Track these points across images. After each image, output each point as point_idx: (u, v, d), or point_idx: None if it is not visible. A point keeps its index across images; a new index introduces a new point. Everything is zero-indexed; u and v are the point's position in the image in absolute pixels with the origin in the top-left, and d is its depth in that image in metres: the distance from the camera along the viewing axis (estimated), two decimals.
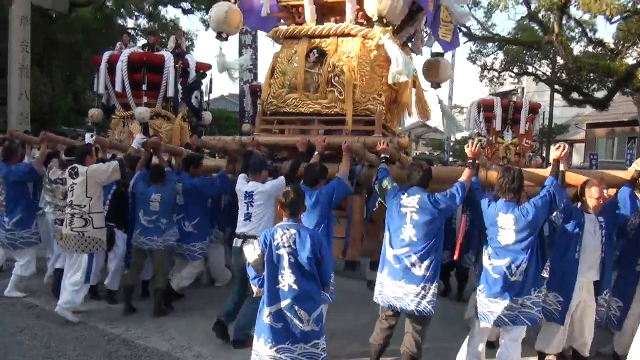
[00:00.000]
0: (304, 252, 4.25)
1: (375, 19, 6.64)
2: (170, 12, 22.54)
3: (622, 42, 24.13)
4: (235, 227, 6.14)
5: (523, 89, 36.60)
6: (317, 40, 7.15)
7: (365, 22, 7.17)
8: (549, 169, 5.42)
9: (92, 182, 6.49)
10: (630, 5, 21.78)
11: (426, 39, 8.17)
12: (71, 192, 6.53)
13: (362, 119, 6.91)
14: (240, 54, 23.76)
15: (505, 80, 30.47)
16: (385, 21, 6.63)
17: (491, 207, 5.13)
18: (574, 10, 23.44)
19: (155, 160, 7.39)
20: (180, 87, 13.03)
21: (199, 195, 7.22)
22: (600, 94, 25.62)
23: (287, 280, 4.30)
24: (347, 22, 7.08)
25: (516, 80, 32.64)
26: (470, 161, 5.47)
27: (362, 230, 6.54)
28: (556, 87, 27.74)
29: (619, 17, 22.04)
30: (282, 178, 6.02)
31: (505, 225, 5.02)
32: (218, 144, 6.90)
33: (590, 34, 25.42)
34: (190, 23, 44.66)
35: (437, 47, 8.19)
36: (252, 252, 4.31)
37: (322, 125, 7.05)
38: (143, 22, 24.09)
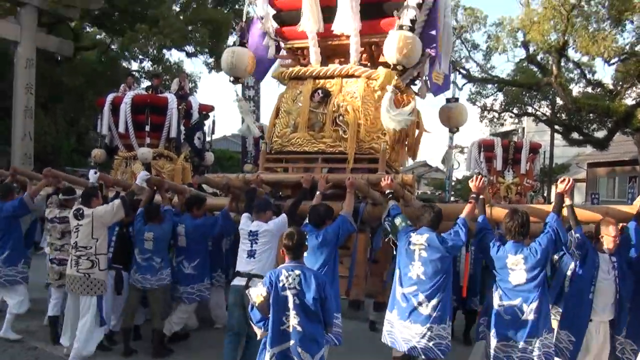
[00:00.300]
0: (309, 293, 4.27)
1: (393, 64, 6.70)
2: (174, 55, 22.95)
3: (620, 83, 24.36)
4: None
5: (523, 128, 36.85)
6: (322, 81, 7.30)
7: (368, 64, 7.32)
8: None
9: (98, 224, 6.45)
10: (627, 47, 22.08)
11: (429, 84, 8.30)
12: (76, 233, 6.48)
13: (366, 157, 6.98)
14: (243, 95, 24.05)
15: (505, 120, 30.64)
16: (401, 67, 6.70)
17: (500, 250, 5.13)
18: (571, 53, 23.74)
19: (157, 197, 7.39)
20: (182, 127, 13.18)
21: (201, 236, 7.18)
22: (600, 134, 25.74)
23: (292, 321, 4.29)
24: (351, 63, 7.20)
25: (516, 121, 32.83)
26: (474, 196, 5.49)
27: (366, 269, 6.50)
28: (556, 127, 27.89)
29: (616, 59, 22.32)
30: (284, 216, 6.03)
31: (515, 266, 5.02)
32: (221, 181, 6.92)
33: (588, 75, 25.65)
34: (193, 65, 45.48)
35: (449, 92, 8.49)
36: (258, 294, 4.32)
37: (325, 163, 7.12)
38: (147, 64, 24.42)
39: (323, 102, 7.10)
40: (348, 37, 7.09)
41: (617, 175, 32.67)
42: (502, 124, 31.04)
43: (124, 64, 25.01)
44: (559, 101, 26.08)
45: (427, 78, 7.88)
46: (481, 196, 5.57)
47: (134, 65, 25.25)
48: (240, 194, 6.87)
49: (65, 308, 6.82)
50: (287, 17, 7.63)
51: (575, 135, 26.43)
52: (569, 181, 5.38)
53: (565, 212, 5.38)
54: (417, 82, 8.05)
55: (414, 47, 6.46)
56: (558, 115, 27.70)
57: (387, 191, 5.84)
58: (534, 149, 15.96)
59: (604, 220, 5.53)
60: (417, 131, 7.79)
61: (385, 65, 6.98)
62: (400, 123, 6.56)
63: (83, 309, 6.44)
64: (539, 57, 25.10)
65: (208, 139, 15.19)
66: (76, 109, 23.02)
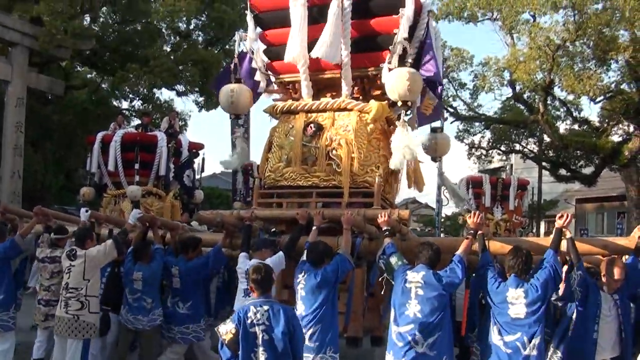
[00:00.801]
0: (278, 328, 4.30)
1: (396, 100, 6.71)
2: (164, 94, 23.10)
3: (606, 121, 24.68)
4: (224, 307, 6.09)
5: (511, 165, 37.13)
6: (314, 115, 7.30)
7: (360, 97, 7.36)
8: (550, 237, 5.44)
9: (90, 265, 6.37)
10: (613, 85, 22.45)
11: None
12: (68, 274, 6.39)
13: (361, 190, 6.96)
14: (232, 132, 24.15)
15: (493, 157, 30.89)
16: (402, 103, 6.70)
17: (501, 286, 5.11)
18: (557, 91, 24.08)
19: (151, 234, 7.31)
20: (172, 165, 13.20)
21: (195, 277, 7.05)
22: (587, 170, 25.98)
23: (261, 358, 4.27)
24: (343, 96, 7.23)
25: (504, 158, 33.10)
26: (471, 232, 5.47)
27: (364, 304, 6.46)
28: (544, 163, 28.14)
29: (602, 97, 22.67)
30: (281, 253, 5.98)
31: (516, 300, 5.00)
32: (215, 218, 6.89)
33: (575, 113, 26.00)
34: (183, 104, 45.71)
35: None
36: (226, 331, 4.32)
37: (319, 197, 7.09)
38: (137, 103, 24.54)
39: (315, 136, 7.11)
40: (339, 70, 7.12)
41: (605, 211, 32.88)
42: (490, 161, 31.26)
43: (115, 102, 25.11)
44: (546, 138, 26.34)
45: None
46: (480, 232, 5.54)
47: (124, 104, 25.36)
48: (234, 231, 6.84)
49: (53, 351, 6.64)
50: (277, 52, 7.67)
51: (563, 171, 26.66)
52: (567, 216, 5.39)
53: (564, 245, 5.39)
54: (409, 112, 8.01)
55: (416, 82, 6.51)
56: (545, 152, 27.97)
57: (384, 228, 5.81)
58: (522, 185, 16.08)
59: (610, 260, 5.51)
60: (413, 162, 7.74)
61: (377, 98, 7.07)
62: (414, 151, 6.65)
63: (69, 351, 6.29)
64: (525, 96, 25.41)
65: (197, 176, 15.22)
66: (66, 146, 22.97)
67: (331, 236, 6.27)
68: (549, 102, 24.28)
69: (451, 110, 26.59)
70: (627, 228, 25.32)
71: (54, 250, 7.11)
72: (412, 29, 6.96)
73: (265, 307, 4.36)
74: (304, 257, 5.82)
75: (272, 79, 7.91)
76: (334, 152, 6.99)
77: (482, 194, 15.33)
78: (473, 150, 29.70)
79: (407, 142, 6.59)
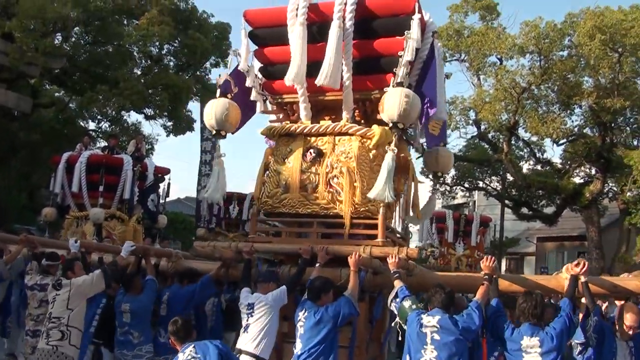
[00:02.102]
0: (208, 354, 4.57)
1: (392, 122, 6.39)
2: (132, 117, 23.02)
3: (568, 163, 25.28)
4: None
5: (474, 202, 37.59)
6: (313, 139, 7.02)
7: (362, 121, 7.11)
8: (556, 277, 5.54)
9: (75, 293, 6.14)
10: (575, 129, 23.05)
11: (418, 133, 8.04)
12: (52, 303, 6.17)
13: (362, 221, 6.72)
14: (201, 160, 24.14)
15: (457, 193, 31.27)
16: (399, 126, 6.40)
17: (515, 333, 4.97)
18: (522, 132, 24.62)
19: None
20: (137, 189, 13.10)
21: (182, 305, 6.76)
22: (549, 210, 26.48)
23: None
24: (344, 120, 6.97)
25: (467, 194, 33.53)
26: (487, 277, 5.32)
27: (367, 339, 6.25)
28: (506, 201, 28.61)
29: (565, 140, 23.26)
30: (284, 288, 5.82)
31: (531, 349, 4.86)
32: (213, 253, 6.66)
33: (538, 154, 26.60)
34: (151, 128, 45.30)
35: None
36: None
37: (320, 227, 6.85)
38: (105, 125, 24.38)
39: (315, 162, 6.82)
40: (340, 92, 6.86)
41: (565, 250, 33.41)
42: (453, 197, 31.63)
43: (82, 123, 24.82)
44: (510, 177, 26.85)
45: (421, 130, 7.68)
46: (494, 276, 5.41)
47: (92, 125, 25.12)
48: (231, 263, 6.64)
49: None
50: (274, 70, 7.38)
51: (524, 210, 27.12)
52: (584, 264, 5.36)
53: (580, 287, 5.35)
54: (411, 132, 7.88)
55: (412, 104, 6.24)
56: (508, 190, 28.46)
57: (394, 269, 5.62)
58: (485, 222, 16.38)
59: (627, 306, 5.50)
60: (412, 184, 7.55)
61: (380, 122, 6.76)
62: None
63: None
64: (490, 135, 25.93)
65: (162, 201, 15.13)
66: (30, 164, 22.62)
67: (333, 267, 6.13)
68: (513, 142, 24.82)
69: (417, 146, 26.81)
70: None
71: (44, 278, 6.80)
72: (416, 50, 6.70)
73: (190, 348, 4.65)
74: (305, 296, 5.70)
75: (268, 98, 7.60)
76: (335, 180, 6.71)
77: (445, 229, 15.56)
78: (437, 185, 29.90)
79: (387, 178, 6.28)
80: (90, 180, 12.19)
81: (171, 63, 24.63)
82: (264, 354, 5.66)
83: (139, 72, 23.66)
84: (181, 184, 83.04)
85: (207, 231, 18.46)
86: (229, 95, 6.94)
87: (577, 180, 24.89)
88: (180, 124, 23.77)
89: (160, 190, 14.58)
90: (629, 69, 20.53)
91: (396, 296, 5.37)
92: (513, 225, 34.50)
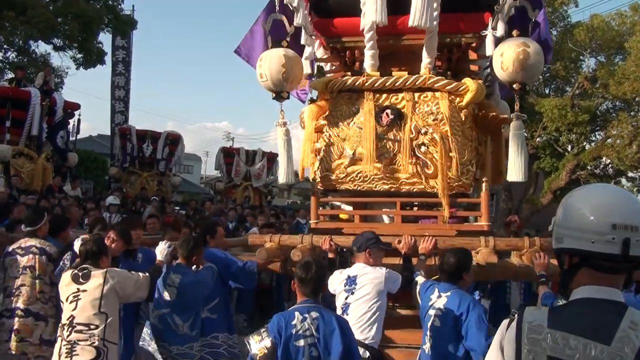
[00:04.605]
0: (330, 343, 3.34)
1: (506, 81, 5.17)
2: (40, 47, 21.72)
3: None
4: None
5: None
6: (384, 95, 5.43)
7: (450, 73, 5.65)
8: None
9: (112, 293, 4.32)
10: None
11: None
12: (73, 303, 4.26)
13: (464, 199, 5.47)
14: (113, 96, 23.33)
15: None
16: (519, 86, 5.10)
17: None
18: None
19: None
20: (45, 125, 12.63)
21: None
22: None
23: None
24: (424, 70, 5.43)
25: None
26: (543, 279, 4.49)
27: None
28: None
29: None
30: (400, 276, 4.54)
31: None
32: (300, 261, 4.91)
33: None
34: (61, 60, 42.76)
35: None
36: (259, 344, 3.34)
37: (402, 208, 5.44)
38: (12, 55, 22.96)
39: (394, 125, 5.29)
40: (420, 34, 5.33)
41: None
42: None
43: None
44: None
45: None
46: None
47: None
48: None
49: None
50: (332, 4, 5.69)
51: None
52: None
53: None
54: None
55: (537, 58, 4.98)
56: None
57: (540, 272, 4.50)
58: None
59: None
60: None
61: (469, 74, 5.52)
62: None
63: None
64: None
65: (72, 138, 14.67)
66: None
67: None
68: None
69: None
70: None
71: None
72: None
73: (314, 314, 3.38)
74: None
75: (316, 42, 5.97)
76: (422, 148, 5.21)
77: None
78: None
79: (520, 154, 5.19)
80: None
81: None
82: (374, 343, 4.39)
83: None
84: (93, 122, 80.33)
85: (120, 170, 18.14)
86: (283, 43, 5.28)
87: None
88: (91, 57, 22.69)
89: (70, 127, 14.14)
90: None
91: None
92: None
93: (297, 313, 3.37)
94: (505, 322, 1.95)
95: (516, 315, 1.91)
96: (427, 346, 4.01)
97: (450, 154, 5.14)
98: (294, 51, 5.36)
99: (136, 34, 24.45)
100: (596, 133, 22.69)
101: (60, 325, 4.38)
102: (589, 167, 20.66)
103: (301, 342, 3.30)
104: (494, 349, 1.95)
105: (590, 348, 1.75)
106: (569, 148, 21.73)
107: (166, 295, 4.90)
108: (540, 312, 1.89)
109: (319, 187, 5.53)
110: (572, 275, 1.95)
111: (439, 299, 4.03)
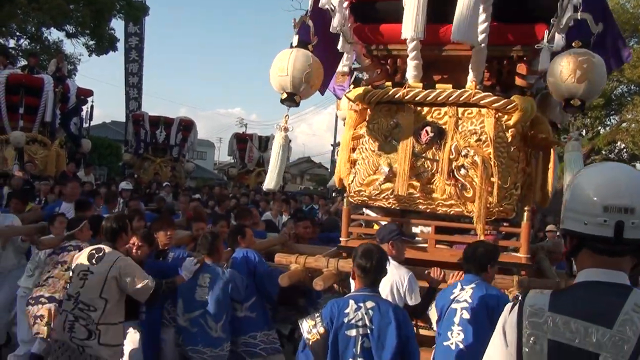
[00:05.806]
0: (384, 334, 3.20)
1: (561, 98, 4.64)
2: (53, 35, 21.77)
3: None
4: None
5: None
6: (426, 109, 5.04)
7: (498, 88, 5.18)
8: None
9: (113, 282, 4.47)
10: None
11: None
12: (82, 280, 4.46)
13: (506, 228, 5.10)
14: (127, 82, 23.37)
15: None
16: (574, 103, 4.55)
17: None
18: None
19: None
20: (58, 112, 12.70)
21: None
22: None
23: None
24: (470, 84, 4.99)
25: None
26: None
27: None
28: None
29: None
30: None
31: None
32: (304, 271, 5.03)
33: None
34: (73, 47, 42.70)
35: None
36: (312, 330, 3.26)
37: (438, 232, 5.06)
38: (25, 42, 23.05)
39: (434, 143, 4.89)
40: (464, 46, 4.88)
41: None
42: None
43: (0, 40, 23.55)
44: None
45: None
46: None
47: (11, 43, 23.78)
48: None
49: None
50: (374, 9, 5.25)
51: None
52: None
53: None
54: None
55: (600, 72, 4.47)
56: None
57: None
58: None
59: None
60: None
61: (519, 90, 5.06)
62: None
63: None
64: None
65: (85, 125, 14.75)
66: None
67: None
68: None
69: None
70: None
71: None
72: None
73: (370, 304, 3.25)
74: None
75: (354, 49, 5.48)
76: (461, 171, 4.80)
77: None
78: None
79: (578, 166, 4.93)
80: (9, 101, 11.70)
81: None
82: None
83: None
84: (107, 108, 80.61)
85: (134, 156, 18.23)
86: (309, 47, 4.84)
87: None
88: (103, 43, 22.74)
89: (83, 113, 14.22)
90: None
91: None
92: None
93: (351, 301, 3.27)
94: (508, 305, 1.93)
95: (519, 299, 1.89)
96: (452, 342, 3.78)
97: (492, 179, 4.74)
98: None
99: (147, 21, 24.43)
100: (611, 117, 22.42)
101: (66, 295, 4.55)
102: (603, 152, 20.45)
103: (353, 332, 3.20)
104: (497, 333, 1.92)
105: (591, 331, 1.72)
106: (584, 132, 21.50)
107: (198, 296, 4.86)
108: (543, 296, 1.86)
109: (351, 200, 5.21)
110: (574, 256, 1.92)
111: (462, 292, 3.88)
